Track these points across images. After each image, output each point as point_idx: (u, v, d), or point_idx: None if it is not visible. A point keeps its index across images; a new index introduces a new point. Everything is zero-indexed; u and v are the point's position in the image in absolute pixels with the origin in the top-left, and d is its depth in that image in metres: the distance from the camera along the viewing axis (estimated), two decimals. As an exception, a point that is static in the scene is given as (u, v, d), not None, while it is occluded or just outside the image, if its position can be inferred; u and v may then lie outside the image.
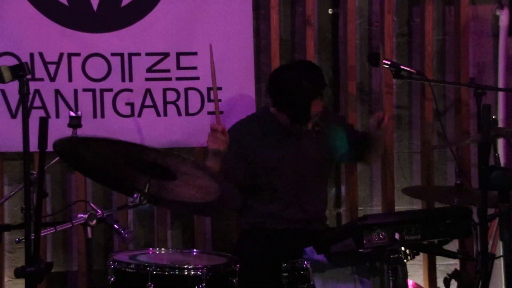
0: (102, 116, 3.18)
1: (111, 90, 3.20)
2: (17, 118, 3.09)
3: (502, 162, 3.31)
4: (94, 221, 2.19)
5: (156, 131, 3.23)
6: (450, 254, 2.82)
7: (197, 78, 3.26)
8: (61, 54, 3.15)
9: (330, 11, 3.46)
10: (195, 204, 2.45)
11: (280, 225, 2.92)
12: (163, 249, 2.82)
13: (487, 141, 2.29)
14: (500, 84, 3.54)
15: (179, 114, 3.26)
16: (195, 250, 2.84)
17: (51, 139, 2.13)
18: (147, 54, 3.21)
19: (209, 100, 3.27)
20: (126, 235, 2.36)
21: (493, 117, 2.92)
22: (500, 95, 3.55)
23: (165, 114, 3.24)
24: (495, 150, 2.91)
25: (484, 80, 3.54)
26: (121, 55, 3.19)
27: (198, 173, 2.32)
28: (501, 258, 2.40)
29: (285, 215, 2.93)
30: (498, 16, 3.55)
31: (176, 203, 2.49)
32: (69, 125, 2.67)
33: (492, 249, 3.19)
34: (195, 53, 3.24)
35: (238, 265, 2.51)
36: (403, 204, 3.42)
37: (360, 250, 2.41)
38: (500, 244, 2.75)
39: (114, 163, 2.34)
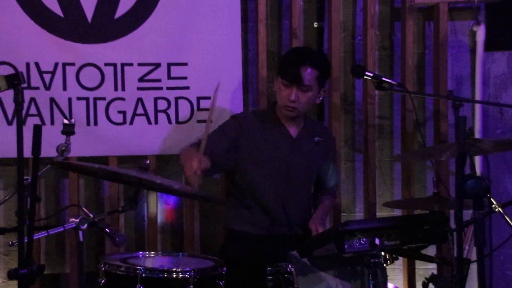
0: (95, 123, 3.22)
1: (104, 98, 3.23)
2: (13, 125, 3.12)
3: (478, 171, 3.40)
4: (86, 225, 2.22)
5: (147, 138, 3.27)
6: (427, 259, 2.88)
7: (187, 87, 3.30)
8: (56, 64, 3.18)
9: (315, 25, 3.50)
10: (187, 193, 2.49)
11: (264, 229, 2.97)
12: (152, 252, 2.87)
13: (463, 151, 2.36)
14: (477, 97, 3.60)
15: (170, 122, 3.30)
16: (183, 253, 2.89)
17: (47, 146, 2.19)
18: (139, 64, 3.25)
19: (199, 109, 3.32)
20: (117, 238, 2.41)
21: (469, 127, 2.99)
22: (477, 107, 3.60)
23: (156, 122, 3.28)
24: (471, 159, 2.99)
25: (461, 93, 3.60)
26: (114, 65, 3.23)
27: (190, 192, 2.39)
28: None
29: (268, 219, 2.97)
30: (475, 32, 3.61)
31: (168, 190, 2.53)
32: (63, 132, 2.69)
33: (468, 254, 3.28)
34: (185, 64, 3.29)
35: (224, 268, 2.56)
36: (384, 211, 3.47)
37: (342, 255, 2.46)
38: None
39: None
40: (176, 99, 3.31)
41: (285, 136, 3.00)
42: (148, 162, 2.52)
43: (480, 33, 3.59)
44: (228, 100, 3.35)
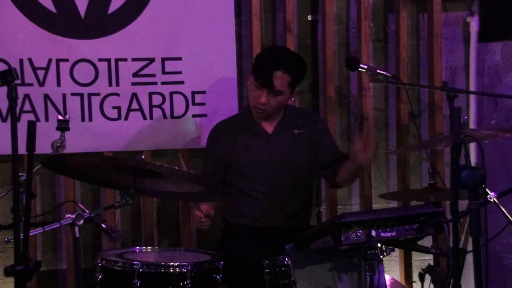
0: (90, 119, 3.23)
1: (98, 94, 3.24)
2: (7, 122, 3.12)
3: (473, 162, 3.42)
4: (82, 221, 2.23)
5: (142, 133, 3.28)
6: (424, 250, 2.89)
7: (182, 82, 3.31)
8: (50, 60, 3.18)
9: (309, 18, 3.52)
10: (181, 194, 2.52)
11: (258, 222, 2.99)
12: (149, 247, 2.88)
13: (457, 142, 2.37)
14: (472, 87, 3.63)
15: (165, 117, 3.31)
16: (180, 248, 2.92)
17: (41, 142, 2.19)
18: (133, 59, 3.25)
19: (194, 104, 3.33)
20: (114, 234, 2.42)
21: (465, 117, 3.00)
22: (472, 97, 3.63)
23: (151, 117, 3.29)
24: (466, 150, 3.00)
25: (456, 84, 3.63)
26: (108, 60, 3.23)
27: (183, 174, 2.41)
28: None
29: (260, 214, 2.99)
30: (468, 23, 3.64)
31: (162, 193, 2.55)
32: (58, 129, 2.68)
33: (464, 244, 3.30)
34: (179, 58, 3.30)
35: (221, 262, 2.58)
36: (380, 202, 3.48)
37: (338, 247, 2.47)
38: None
39: (99, 169, 2.41)
40: (171, 94, 3.32)
41: (260, 134, 3.01)
42: (143, 157, 2.54)
43: (474, 24, 3.62)
44: (223, 94, 3.36)
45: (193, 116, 3.34)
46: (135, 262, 2.50)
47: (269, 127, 3.02)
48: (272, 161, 3.00)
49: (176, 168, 2.35)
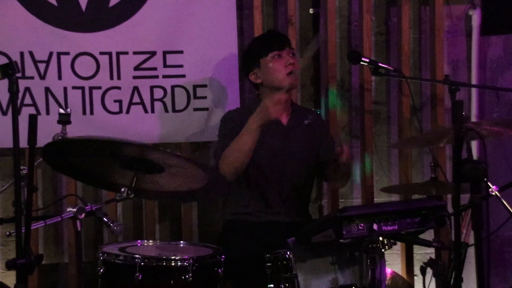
0: (91, 113, 3.23)
1: (99, 87, 3.24)
2: (8, 115, 3.13)
3: (475, 155, 3.42)
4: (83, 215, 2.23)
5: (143, 127, 3.28)
6: (425, 243, 2.90)
7: (183, 76, 3.31)
8: (51, 53, 3.18)
9: (311, 11, 3.53)
10: (182, 193, 2.52)
11: (261, 217, 2.98)
12: (151, 241, 2.88)
13: (459, 135, 2.37)
14: (474, 81, 3.63)
15: (166, 110, 3.31)
16: (182, 241, 2.89)
17: (42, 135, 2.18)
18: (135, 52, 3.25)
19: (195, 97, 3.33)
20: (115, 227, 2.40)
21: (466, 112, 3.00)
22: (473, 91, 3.63)
23: (153, 111, 3.29)
24: (468, 144, 3.00)
25: (458, 77, 3.62)
26: (109, 53, 3.23)
27: (185, 165, 2.38)
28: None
29: (265, 208, 2.98)
30: (470, 16, 3.63)
31: (163, 194, 2.55)
32: (59, 122, 2.69)
33: (465, 238, 3.30)
34: (181, 52, 3.29)
35: (223, 256, 2.58)
36: (382, 196, 3.49)
37: (340, 241, 2.47)
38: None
39: (100, 162, 2.39)
40: (172, 87, 3.32)
41: (276, 125, 2.99)
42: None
43: (476, 17, 3.61)
44: (225, 88, 3.36)
45: (195, 109, 3.33)
46: (137, 255, 2.50)
47: (283, 119, 3.02)
48: (287, 153, 3.00)
49: (179, 154, 2.31)
